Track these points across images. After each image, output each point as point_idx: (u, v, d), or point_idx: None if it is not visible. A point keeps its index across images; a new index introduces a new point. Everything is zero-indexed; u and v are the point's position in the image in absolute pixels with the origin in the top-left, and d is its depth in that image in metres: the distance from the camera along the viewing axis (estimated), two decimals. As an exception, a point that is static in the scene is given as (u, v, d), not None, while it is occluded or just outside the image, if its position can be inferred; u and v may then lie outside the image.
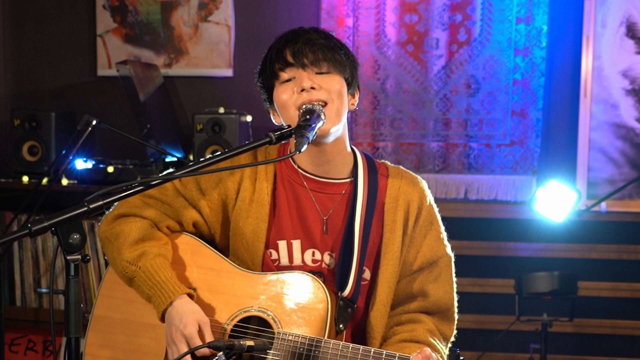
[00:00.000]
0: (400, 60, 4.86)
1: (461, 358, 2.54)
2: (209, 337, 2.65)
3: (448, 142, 4.87)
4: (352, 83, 2.77)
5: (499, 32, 4.78)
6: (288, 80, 2.70)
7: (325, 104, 2.65)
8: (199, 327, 2.66)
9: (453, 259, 2.92)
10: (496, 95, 4.81)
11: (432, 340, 2.77)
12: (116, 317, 2.87)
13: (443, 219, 2.96)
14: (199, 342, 2.64)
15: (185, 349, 2.64)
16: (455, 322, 2.91)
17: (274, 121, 2.83)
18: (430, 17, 4.83)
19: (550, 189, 4.46)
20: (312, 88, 2.65)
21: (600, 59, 4.74)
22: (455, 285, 2.91)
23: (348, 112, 2.79)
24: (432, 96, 4.86)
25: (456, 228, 4.66)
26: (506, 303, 4.76)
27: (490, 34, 4.79)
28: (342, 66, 2.72)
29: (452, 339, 2.89)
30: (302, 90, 2.65)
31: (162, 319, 2.74)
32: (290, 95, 2.68)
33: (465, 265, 4.64)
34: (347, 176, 2.85)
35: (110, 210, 2.88)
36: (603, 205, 4.71)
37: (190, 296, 2.75)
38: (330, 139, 2.72)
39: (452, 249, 2.97)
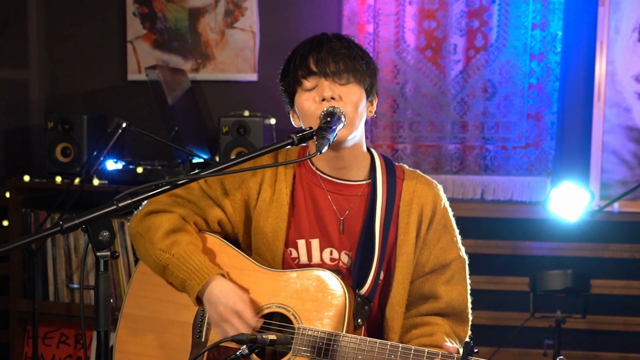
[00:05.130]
0: (419, 65, 4.91)
1: (475, 350, 2.58)
2: (252, 316, 2.70)
3: (465, 144, 4.90)
4: (371, 91, 2.81)
5: (515, 38, 4.81)
6: (310, 89, 2.74)
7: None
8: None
9: (467, 262, 2.93)
10: (512, 99, 4.84)
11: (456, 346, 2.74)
12: (144, 315, 2.91)
13: (460, 219, 2.97)
14: (251, 317, 2.69)
15: (238, 323, 2.68)
16: (469, 323, 2.92)
17: (293, 123, 2.86)
18: (448, 23, 4.86)
19: (564, 189, 4.48)
20: (332, 98, 2.69)
21: (614, 63, 4.76)
22: (469, 288, 2.93)
23: (367, 117, 2.83)
24: (450, 100, 4.90)
25: (473, 228, 4.70)
26: (521, 300, 4.77)
27: (506, 39, 4.82)
28: (362, 77, 2.74)
29: (467, 339, 2.88)
30: (323, 100, 2.70)
31: (198, 302, 2.78)
32: (312, 104, 2.72)
33: (481, 264, 4.63)
34: (363, 178, 2.88)
35: (140, 208, 2.91)
36: (616, 206, 4.73)
37: (224, 277, 2.79)
38: (347, 144, 2.77)
39: (469, 248, 2.95)
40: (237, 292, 2.75)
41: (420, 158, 4.95)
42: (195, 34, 5.17)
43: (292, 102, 2.83)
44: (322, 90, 2.71)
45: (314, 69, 2.73)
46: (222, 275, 2.79)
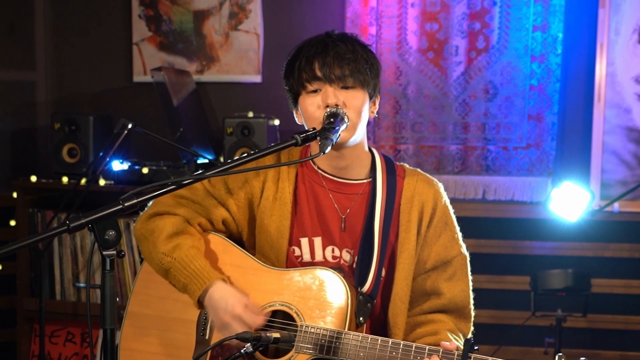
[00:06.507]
0: (421, 66, 4.94)
1: (475, 348, 2.60)
2: (252, 318, 2.73)
3: (467, 145, 4.92)
4: (374, 93, 2.82)
5: (516, 40, 4.83)
6: (314, 91, 2.75)
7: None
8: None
9: (468, 258, 2.94)
10: (513, 100, 4.86)
11: (455, 343, 2.77)
12: (149, 313, 2.94)
13: (462, 218, 2.99)
14: (252, 319, 2.72)
15: (239, 327, 2.71)
16: (472, 319, 2.94)
17: (296, 120, 2.89)
18: (450, 25, 4.89)
19: (565, 190, 4.50)
20: (337, 105, 2.70)
21: (614, 65, 4.78)
22: (471, 284, 2.94)
23: (369, 118, 2.85)
24: (452, 101, 4.92)
25: (474, 227, 4.70)
26: (522, 299, 4.79)
27: (507, 41, 4.84)
28: (366, 80, 2.76)
29: (470, 335, 2.92)
30: (327, 106, 2.70)
31: (199, 305, 2.81)
32: (316, 109, 2.74)
33: (482, 263, 4.64)
34: (364, 177, 2.90)
35: (145, 210, 2.94)
36: (616, 206, 4.74)
37: (224, 281, 2.81)
38: (349, 145, 2.79)
39: (470, 247, 2.98)
40: (237, 295, 2.78)
41: (422, 158, 4.98)
42: (200, 36, 5.20)
43: (295, 102, 2.85)
44: (326, 96, 2.73)
45: (319, 74, 2.75)
46: (223, 279, 2.82)
